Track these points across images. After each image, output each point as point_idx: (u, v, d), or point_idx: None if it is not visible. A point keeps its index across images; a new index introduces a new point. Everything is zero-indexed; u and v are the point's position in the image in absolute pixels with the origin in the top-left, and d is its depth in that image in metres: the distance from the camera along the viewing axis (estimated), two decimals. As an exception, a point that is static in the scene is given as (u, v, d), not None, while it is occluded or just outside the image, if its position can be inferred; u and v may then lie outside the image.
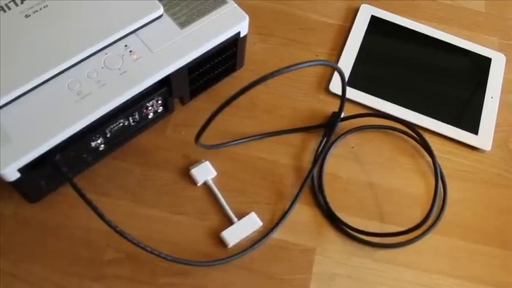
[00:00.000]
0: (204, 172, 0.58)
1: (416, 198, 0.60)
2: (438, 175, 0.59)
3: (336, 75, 0.67)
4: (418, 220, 0.57)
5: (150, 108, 0.56)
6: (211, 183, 0.58)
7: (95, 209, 0.48)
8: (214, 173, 0.59)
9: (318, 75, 0.67)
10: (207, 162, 0.59)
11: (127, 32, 0.53)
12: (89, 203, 0.48)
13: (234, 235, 0.55)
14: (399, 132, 0.64)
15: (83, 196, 0.48)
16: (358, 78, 0.67)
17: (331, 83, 0.66)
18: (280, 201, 0.58)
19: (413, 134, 0.62)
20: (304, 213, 0.58)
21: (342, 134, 0.63)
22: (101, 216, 0.48)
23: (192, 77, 0.58)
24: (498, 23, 0.76)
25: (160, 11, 0.54)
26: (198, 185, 0.58)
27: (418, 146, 0.63)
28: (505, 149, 0.65)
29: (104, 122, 0.51)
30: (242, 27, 0.58)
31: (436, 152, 0.62)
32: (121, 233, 0.48)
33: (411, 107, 0.65)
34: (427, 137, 0.64)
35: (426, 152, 0.62)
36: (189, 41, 0.55)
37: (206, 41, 0.55)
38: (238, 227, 0.56)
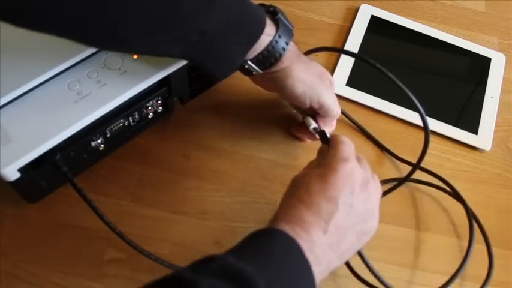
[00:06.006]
0: None
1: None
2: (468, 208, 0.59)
3: (336, 75, 0.67)
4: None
5: (150, 108, 0.56)
6: None
7: (95, 209, 0.48)
8: None
9: (318, 75, 0.67)
10: None
11: (127, 32, 0.53)
12: (89, 203, 0.48)
13: None
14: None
15: (83, 196, 0.48)
16: (358, 78, 0.67)
17: (331, 83, 0.66)
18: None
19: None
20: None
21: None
22: (100, 217, 0.48)
23: (192, 77, 0.58)
24: (498, 23, 0.76)
25: (161, 11, 0.54)
26: None
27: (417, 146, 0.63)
28: (504, 149, 0.65)
29: (104, 122, 0.51)
30: (242, 27, 0.57)
31: (435, 152, 0.62)
32: (120, 235, 0.48)
33: (411, 107, 0.65)
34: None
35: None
36: (189, 41, 0.54)
37: (206, 41, 0.55)
38: None
